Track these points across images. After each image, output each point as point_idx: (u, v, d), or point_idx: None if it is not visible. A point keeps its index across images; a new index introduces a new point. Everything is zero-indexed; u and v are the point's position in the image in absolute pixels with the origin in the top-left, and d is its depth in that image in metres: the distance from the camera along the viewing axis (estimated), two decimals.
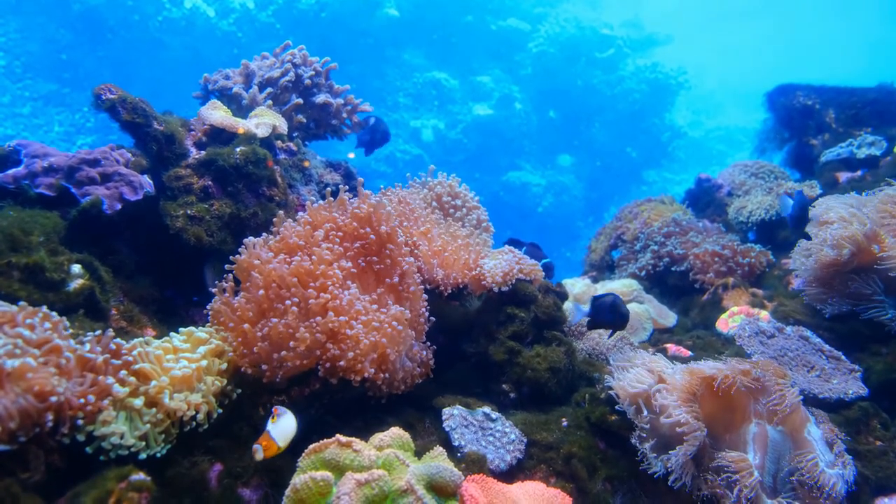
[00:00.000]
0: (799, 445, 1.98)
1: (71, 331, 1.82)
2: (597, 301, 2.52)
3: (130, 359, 1.84)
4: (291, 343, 2.03)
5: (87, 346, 1.80)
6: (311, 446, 1.68)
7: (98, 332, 1.89)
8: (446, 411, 2.20)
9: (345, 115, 3.60)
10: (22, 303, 1.77)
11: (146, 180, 2.55)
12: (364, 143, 3.49)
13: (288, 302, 2.08)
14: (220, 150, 2.73)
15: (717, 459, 1.91)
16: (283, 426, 1.78)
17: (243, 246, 2.31)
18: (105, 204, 2.38)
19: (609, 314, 2.48)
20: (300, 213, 2.53)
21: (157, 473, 1.71)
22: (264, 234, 2.39)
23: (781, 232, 4.02)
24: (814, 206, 3.09)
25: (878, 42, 23.80)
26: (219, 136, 2.87)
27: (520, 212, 15.18)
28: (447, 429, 2.12)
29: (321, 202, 2.50)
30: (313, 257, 2.20)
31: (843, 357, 2.67)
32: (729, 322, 3.20)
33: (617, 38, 16.88)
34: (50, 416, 1.58)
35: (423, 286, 2.59)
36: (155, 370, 1.87)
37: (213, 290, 2.28)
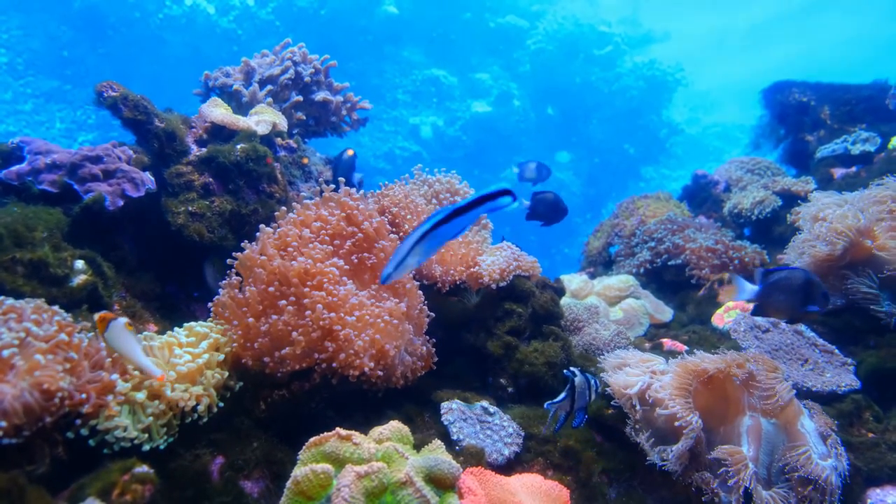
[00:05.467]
0: (793, 438, 2.01)
1: (73, 326, 1.84)
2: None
3: None
4: (289, 347, 2.06)
5: (94, 342, 1.82)
6: (311, 439, 1.70)
7: None
8: (445, 405, 2.23)
9: (344, 112, 3.63)
10: (38, 301, 1.80)
11: (148, 177, 2.57)
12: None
13: (284, 302, 2.11)
14: (220, 148, 2.75)
15: (711, 452, 1.94)
16: (128, 343, 1.74)
17: (256, 236, 2.33)
18: (107, 200, 2.40)
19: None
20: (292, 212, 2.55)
21: (159, 466, 1.74)
22: (272, 226, 2.42)
23: (777, 228, 4.05)
24: (808, 202, 3.12)
25: (878, 39, 23.82)
26: (219, 133, 2.90)
27: (518, 208, 15.19)
28: (446, 422, 2.15)
29: (308, 201, 2.53)
30: (309, 260, 2.22)
31: (836, 350, 2.71)
32: (724, 317, 3.23)
33: (615, 35, 16.91)
34: (55, 411, 1.61)
35: (421, 281, 2.62)
36: (159, 364, 1.90)
37: (217, 285, 2.31)
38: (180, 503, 1.79)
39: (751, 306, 3.18)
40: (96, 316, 1.78)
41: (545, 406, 2.00)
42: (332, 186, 2.58)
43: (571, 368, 2.00)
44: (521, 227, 14.63)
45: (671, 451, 1.93)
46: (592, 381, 2.00)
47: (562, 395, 1.97)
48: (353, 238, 2.42)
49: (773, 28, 26.88)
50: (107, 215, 2.42)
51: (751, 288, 2.48)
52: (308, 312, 2.08)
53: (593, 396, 2.01)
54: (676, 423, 1.94)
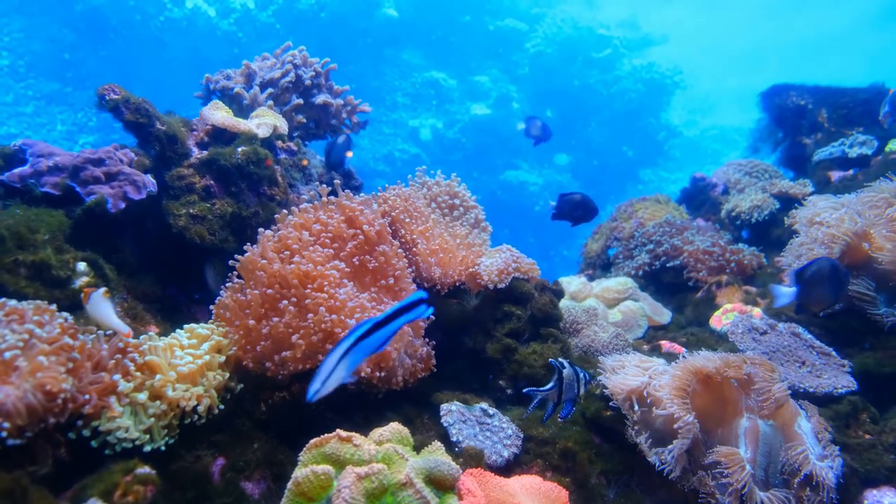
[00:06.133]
0: (790, 439, 2.02)
1: (76, 329, 1.86)
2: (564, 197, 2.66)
3: (137, 355, 1.88)
4: (290, 351, 2.07)
5: (96, 344, 1.84)
6: (312, 441, 1.71)
7: (109, 331, 1.93)
8: (444, 407, 2.24)
9: (344, 115, 3.64)
10: (39, 302, 1.81)
11: (149, 180, 2.59)
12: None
13: (285, 302, 2.12)
14: (221, 150, 2.77)
15: (709, 454, 1.95)
16: (105, 309, 1.93)
17: (251, 242, 2.34)
18: (109, 203, 2.41)
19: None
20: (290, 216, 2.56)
21: (161, 467, 1.75)
22: (272, 230, 2.43)
23: (775, 230, 4.07)
24: (805, 205, 3.14)
25: (876, 44, 23.90)
26: (220, 136, 2.91)
27: (517, 211, 15.21)
28: (445, 424, 2.16)
29: (307, 204, 2.54)
30: (309, 263, 2.23)
31: (833, 353, 2.72)
32: (722, 319, 3.24)
33: (613, 38, 16.93)
34: (58, 412, 1.62)
35: (420, 284, 2.63)
36: (162, 364, 1.92)
37: (218, 287, 2.32)
38: None
39: (749, 308, 3.20)
40: (83, 292, 1.98)
41: (524, 391, 2.01)
42: (328, 189, 2.59)
43: (560, 359, 2.01)
44: (520, 230, 14.66)
45: (668, 451, 1.94)
46: (582, 375, 2.01)
47: (549, 385, 1.98)
48: (355, 240, 2.43)
49: (772, 30, 26.94)
50: (108, 217, 2.43)
51: (788, 291, 2.57)
52: (310, 316, 2.09)
53: (583, 390, 2.02)
54: (674, 424, 1.95)
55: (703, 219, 4.58)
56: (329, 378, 1.49)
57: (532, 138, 4.53)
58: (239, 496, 1.86)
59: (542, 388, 1.99)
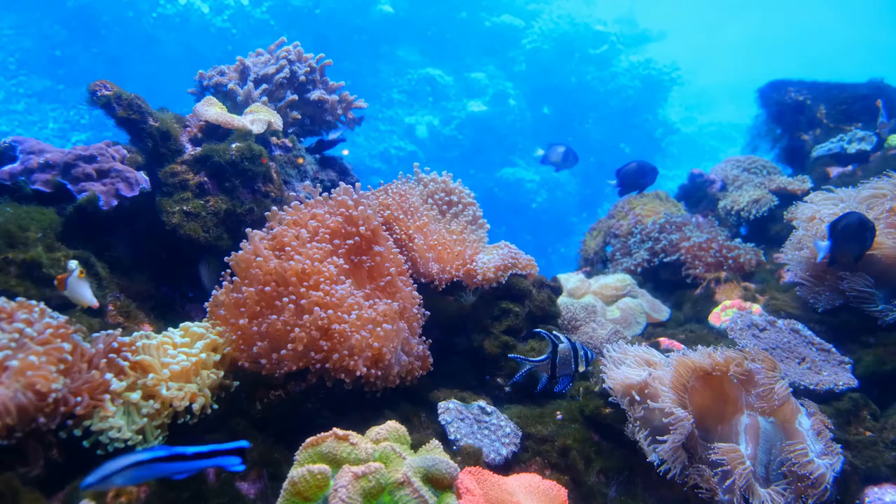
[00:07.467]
0: (790, 436, 2.01)
1: (67, 328, 1.83)
2: None
3: (130, 354, 1.86)
4: (289, 345, 2.04)
5: (89, 343, 1.81)
6: (308, 440, 1.69)
7: (108, 331, 1.91)
8: (442, 405, 2.22)
9: (340, 111, 3.61)
10: (21, 299, 1.78)
11: (142, 177, 2.56)
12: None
13: (285, 299, 2.09)
14: (215, 147, 2.74)
15: (709, 451, 1.94)
16: (82, 287, 2.07)
17: (246, 239, 2.31)
18: (101, 200, 2.38)
19: None
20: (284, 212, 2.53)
21: None
22: (264, 229, 2.40)
23: (773, 226, 4.05)
24: (804, 201, 3.12)
25: (874, 39, 23.97)
26: (214, 132, 2.88)
27: (514, 208, 15.21)
28: (443, 422, 2.14)
29: (297, 202, 2.50)
30: (307, 260, 2.20)
31: (833, 349, 2.71)
32: (721, 316, 3.23)
33: (610, 34, 16.93)
34: (49, 412, 1.59)
35: (417, 280, 2.61)
36: (155, 363, 1.89)
37: (212, 285, 2.29)
38: None
39: (748, 304, 3.19)
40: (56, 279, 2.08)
41: (509, 357, 1.96)
42: (319, 188, 2.56)
43: (554, 332, 1.98)
44: (517, 227, 14.64)
45: (663, 447, 1.92)
46: (582, 352, 1.96)
47: (543, 356, 1.95)
48: (352, 238, 2.40)
49: (771, 27, 26.97)
50: (101, 215, 2.41)
51: (824, 245, 2.70)
52: (306, 317, 2.07)
53: (582, 367, 1.98)
54: (665, 419, 1.94)
55: (702, 215, 4.56)
56: (107, 478, 1.41)
57: (552, 165, 4.52)
58: (234, 496, 1.84)
59: (532, 359, 1.95)
